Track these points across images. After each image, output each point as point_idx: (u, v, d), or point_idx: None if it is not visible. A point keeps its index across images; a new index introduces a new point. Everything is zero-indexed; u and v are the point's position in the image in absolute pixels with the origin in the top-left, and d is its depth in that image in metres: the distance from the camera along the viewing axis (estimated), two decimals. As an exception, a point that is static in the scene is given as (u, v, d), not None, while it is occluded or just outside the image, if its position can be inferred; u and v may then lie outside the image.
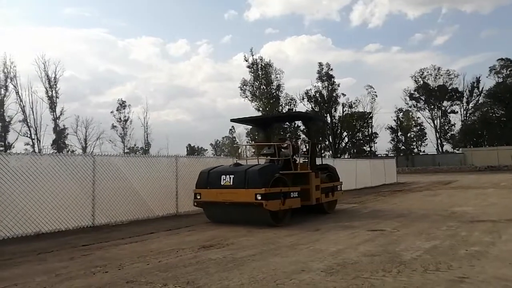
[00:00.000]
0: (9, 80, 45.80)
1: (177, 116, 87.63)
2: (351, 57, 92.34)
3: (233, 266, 5.53)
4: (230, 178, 9.25)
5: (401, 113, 66.13)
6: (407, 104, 66.00)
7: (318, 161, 12.46)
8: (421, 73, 65.71)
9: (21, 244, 7.68)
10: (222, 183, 9.32)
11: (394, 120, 65.87)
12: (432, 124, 65.03)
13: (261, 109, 52.67)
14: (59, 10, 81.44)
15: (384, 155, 62.09)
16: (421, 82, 65.32)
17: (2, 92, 45.72)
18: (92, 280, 4.99)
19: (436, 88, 64.24)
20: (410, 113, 65.64)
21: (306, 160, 11.22)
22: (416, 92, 65.65)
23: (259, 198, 8.60)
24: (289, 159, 10.46)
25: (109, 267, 5.65)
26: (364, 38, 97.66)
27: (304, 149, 11.86)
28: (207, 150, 76.26)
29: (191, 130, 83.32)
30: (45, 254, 6.79)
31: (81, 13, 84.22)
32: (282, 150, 10.62)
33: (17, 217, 8.44)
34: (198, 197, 9.71)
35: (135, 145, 54.57)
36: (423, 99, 65.18)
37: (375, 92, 61.23)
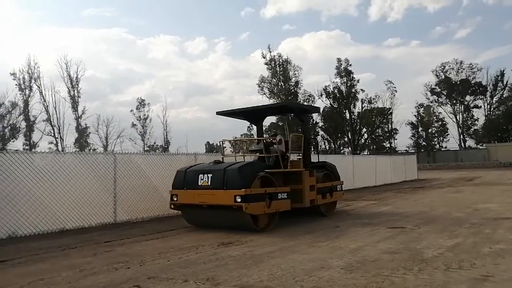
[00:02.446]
0: (33, 81, 47.22)
1: (196, 114, 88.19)
2: (370, 52, 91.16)
3: (252, 263, 5.56)
4: (208, 177, 8.24)
5: (422, 108, 65.09)
6: (428, 99, 64.86)
7: (316, 158, 11.27)
8: (442, 67, 64.36)
9: (46, 240, 7.91)
10: (199, 184, 8.32)
11: (415, 116, 64.91)
12: (455, 119, 63.73)
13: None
14: (80, 11, 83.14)
15: (404, 151, 61.16)
16: (443, 76, 63.99)
17: (27, 92, 47.18)
18: (114, 276, 5.10)
19: (458, 83, 62.78)
20: (431, 108, 64.47)
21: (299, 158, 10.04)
22: (437, 87, 64.38)
23: (239, 200, 7.60)
24: (282, 156, 9.23)
25: (131, 263, 5.77)
26: (383, 32, 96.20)
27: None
28: (225, 147, 76.48)
29: (210, 128, 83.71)
30: (70, 250, 6.98)
31: (101, 13, 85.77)
32: (274, 146, 9.59)
33: (42, 214, 8.70)
34: (175, 199, 8.72)
35: (154, 143, 55.40)
36: (445, 93, 63.80)
37: (395, 87, 60.50)
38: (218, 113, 11.04)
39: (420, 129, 64.80)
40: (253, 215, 7.92)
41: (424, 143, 64.73)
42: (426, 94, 65.01)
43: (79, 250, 6.96)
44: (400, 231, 7.71)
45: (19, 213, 8.36)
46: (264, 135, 10.73)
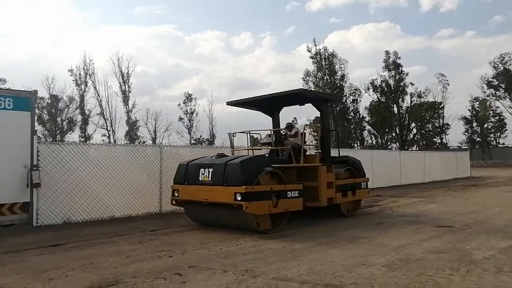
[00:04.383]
0: (88, 77, 49.77)
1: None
2: (421, 44, 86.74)
3: (292, 256, 5.55)
4: (208, 172, 7.61)
5: (477, 102, 61.38)
6: (484, 92, 60.81)
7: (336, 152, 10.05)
8: (501, 58, 59.90)
9: (97, 227, 8.37)
10: (200, 179, 7.72)
11: (469, 110, 61.50)
12: (514, 114, 59.43)
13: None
14: (132, 9, 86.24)
15: (457, 147, 58.18)
16: (501, 68, 59.69)
17: (82, 87, 49.84)
18: (158, 263, 5.30)
19: (519, 75, 58.46)
20: (488, 102, 60.62)
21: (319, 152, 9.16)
22: (495, 80, 60.17)
23: (239, 198, 6.92)
24: (296, 149, 8.41)
25: (174, 252, 5.96)
26: (436, 23, 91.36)
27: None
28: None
29: (255, 121, 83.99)
30: (117, 237, 7.33)
31: (151, 11, 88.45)
32: (290, 139, 8.79)
33: (93, 202, 9.22)
34: (176, 194, 8.18)
35: (201, 136, 56.55)
36: (503, 86, 59.57)
37: (447, 80, 57.49)
38: (228, 103, 10.37)
39: (474, 124, 61.32)
40: (256, 215, 7.16)
41: (479, 139, 61.19)
42: (482, 87, 61.03)
43: (126, 237, 7.29)
44: (448, 230, 7.37)
45: (73, 200, 8.91)
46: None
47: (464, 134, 61.72)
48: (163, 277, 4.64)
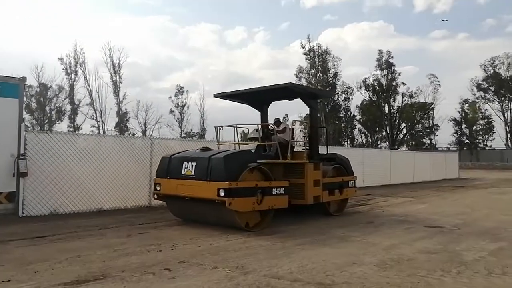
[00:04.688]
0: (78, 66, 49.03)
1: (233, 102, 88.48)
2: (414, 44, 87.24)
3: (283, 253, 5.50)
4: (192, 166, 7.35)
5: (467, 105, 62.10)
6: (474, 95, 61.62)
7: (325, 150, 9.98)
8: (492, 61, 60.75)
9: (84, 219, 8.21)
10: (183, 173, 7.46)
11: (458, 112, 62.16)
12: (502, 117, 60.24)
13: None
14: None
15: (446, 149, 58.77)
16: (492, 71, 60.51)
17: (72, 77, 49.10)
18: (146, 258, 5.20)
19: (508, 78, 59.22)
20: (477, 105, 61.34)
21: (307, 148, 9.10)
22: (484, 82, 61.00)
23: (222, 194, 6.67)
24: (283, 145, 8.22)
25: (163, 246, 5.86)
26: (429, 24, 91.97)
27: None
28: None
29: (246, 117, 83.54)
30: (106, 230, 7.20)
31: (145, 1, 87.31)
32: (277, 134, 8.52)
33: (81, 193, 9.06)
34: (158, 188, 7.93)
35: (191, 130, 56.23)
36: (493, 89, 60.41)
37: (439, 81, 58.00)
38: (216, 95, 10.15)
39: (463, 126, 62.01)
40: (239, 212, 6.94)
41: (467, 140, 61.93)
42: (472, 89, 61.81)
43: (114, 230, 7.17)
44: (438, 231, 7.39)
45: (60, 191, 8.74)
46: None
47: (453, 136, 62.41)
48: (152, 272, 4.55)
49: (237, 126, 9.16)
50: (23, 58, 63.02)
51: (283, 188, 7.64)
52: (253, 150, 8.58)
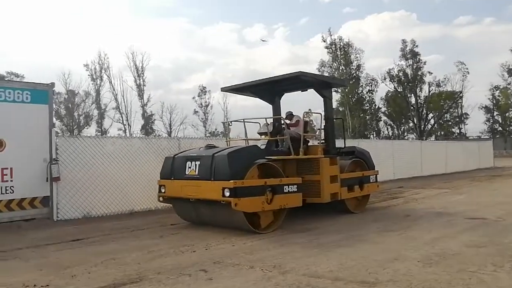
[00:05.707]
0: (103, 71, 50.06)
1: (255, 100, 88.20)
2: (438, 32, 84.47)
3: (319, 251, 5.31)
4: (195, 165, 6.93)
5: (498, 91, 59.67)
6: (505, 80, 59.06)
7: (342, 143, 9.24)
8: (523, 44, 58.21)
9: (117, 221, 8.27)
10: (187, 173, 7.06)
11: (489, 99, 59.78)
12: (538, 102, 57.65)
13: (339, 90, 51.09)
14: (145, 2, 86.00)
15: (477, 137, 56.74)
16: (523, 54, 57.95)
17: (98, 82, 50.17)
18: (181, 259, 5.12)
19: (541, 61, 56.58)
20: (509, 90, 58.86)
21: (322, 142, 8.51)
22: (516, 67, 58.49)
23: (227, 194, 6.22)
24: (296, 140, 7.75)
25: (196, 246, 5.77)
26: (453, 10, 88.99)
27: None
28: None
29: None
30: (138, 231, 7.20)
31: (162, 4, 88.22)
32: (290, 128, 8.12)
33: (113, 196, 9.12)
34: (163, 190, 7.56)
35: (215, 129, 56.48)
36: (525, 74, 57.88)
37: (467, 68, 55.91)
38: (223, 89, 9.73)
39: (495, 113, 59.72)
40: (247, 213, 6.45)
41: (500, 128, 59.61)
42: (502, 75, 59.28)
43: (146, 232, 7.16)
44: (482, 222, 7.02)
45: (92, 194, 8.82)
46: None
47: (485, 123, 60.21)
48: (188, 273, 4.45)
49: (245, 120, 8.75)
50: (50, 67, 64.76)
51: (295, 186, 7.10)
52: (260, 146, 8.17)
